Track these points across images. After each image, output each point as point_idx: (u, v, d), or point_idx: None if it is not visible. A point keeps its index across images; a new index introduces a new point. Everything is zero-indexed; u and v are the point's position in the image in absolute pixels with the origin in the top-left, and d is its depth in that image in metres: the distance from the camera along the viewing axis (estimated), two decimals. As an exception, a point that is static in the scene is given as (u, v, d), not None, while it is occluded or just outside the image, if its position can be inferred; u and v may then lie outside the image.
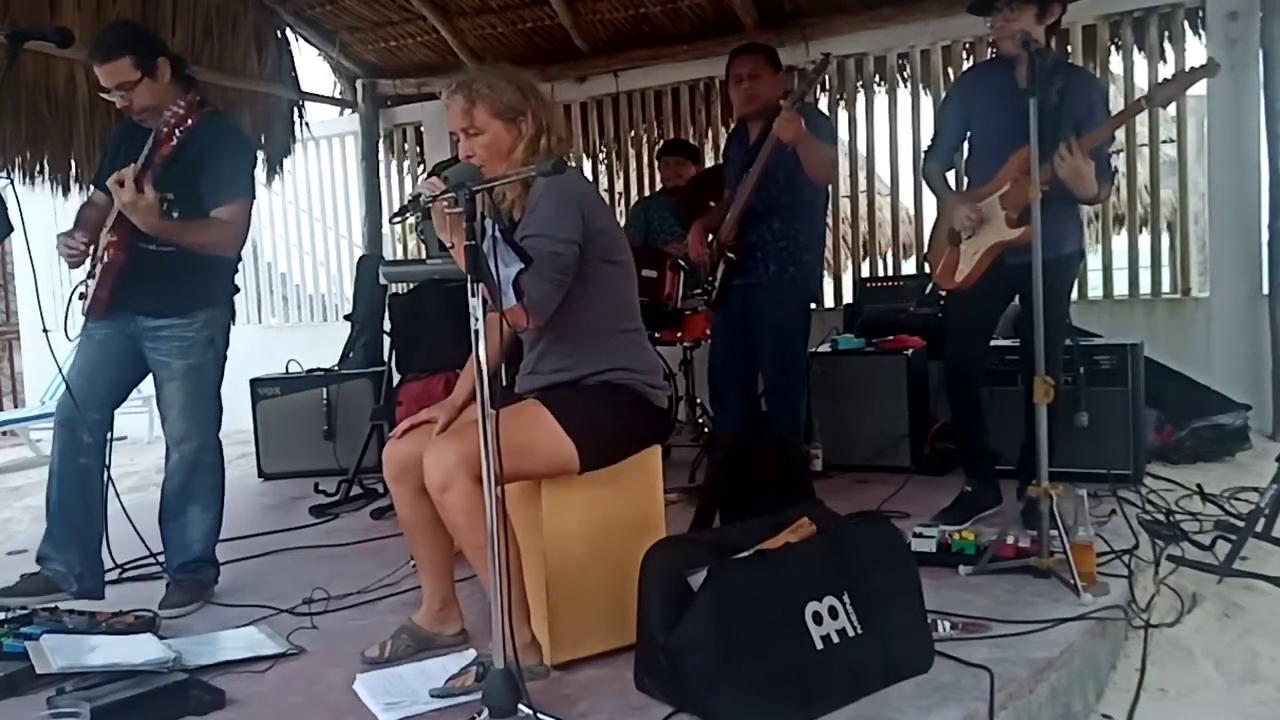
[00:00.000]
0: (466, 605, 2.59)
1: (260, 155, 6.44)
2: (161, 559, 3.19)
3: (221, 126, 3.05)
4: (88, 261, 3.01)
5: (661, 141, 6.11)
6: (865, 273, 5.91)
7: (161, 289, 2.97)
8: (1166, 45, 5.03)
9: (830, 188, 4.02)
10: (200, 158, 2.93)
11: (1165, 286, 5.26)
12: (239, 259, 3.16)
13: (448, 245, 2.24)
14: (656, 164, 5.61)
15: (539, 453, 2.25)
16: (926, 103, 5.54)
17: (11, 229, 3.07)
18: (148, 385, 3.24)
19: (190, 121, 2.93)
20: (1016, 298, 3.30)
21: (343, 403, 5.11)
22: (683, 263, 4.25)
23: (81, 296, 3.03)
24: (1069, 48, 5.12)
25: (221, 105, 5.94)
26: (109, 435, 3.10)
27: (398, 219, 2.15)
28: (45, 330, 2.93)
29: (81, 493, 3.03)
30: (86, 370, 3.04)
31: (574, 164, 6.42)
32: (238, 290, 3.22)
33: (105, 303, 2.98)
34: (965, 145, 3.43)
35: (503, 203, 2.42)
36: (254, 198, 3.08)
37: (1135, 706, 2.33)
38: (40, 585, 3.01)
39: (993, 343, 3.52)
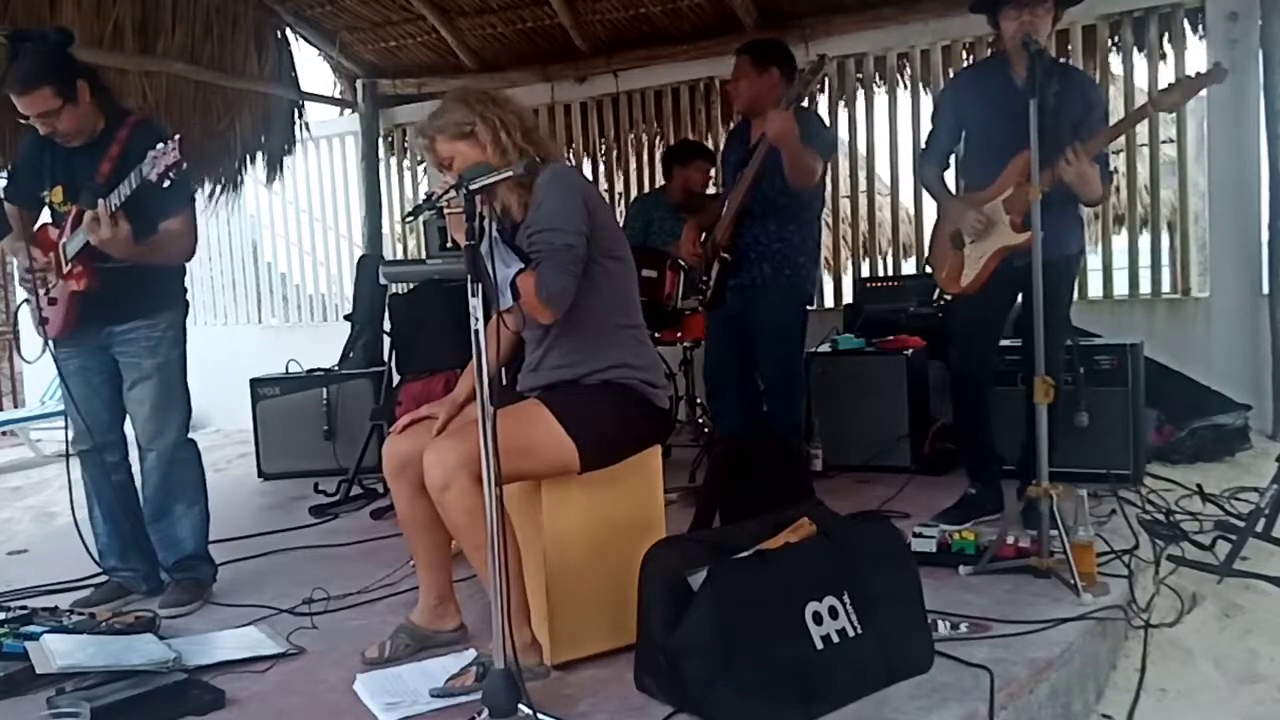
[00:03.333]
0: (466, 606, 2.59)
1: (260, 155, 6.45)
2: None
3: (153, 134, 2.90)
4: (50, 277, 2.98)
5: (665, 143, 6.10)
6: (865, 273, 5.90)
7: (126, 297, 2.97)
8: (1166, 45, 5.02)
9: (828, 188, 4.02)
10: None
11: (1165, 286, 5.26)
12: None
13: (462, 245, 2.25)
14: (684, 166, 5.23)
15: (539, 453, 2.25)
16: (926, 103, 5.54)
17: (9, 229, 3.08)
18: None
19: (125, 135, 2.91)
20: (1019, 298, 3.29)
21: (343, 403, 5.11)
22: (682, 263, 4.24)
23: (42, 321, 3.00)
24: (1069, 48, 5.12)
25: (220, 106, 5.98)
26: (128, 449, 3.18)
27: (410, 218, 2.17)
28: (43, 327, 2.94)
29: (124, 505, 3.14)
30: (82, 404, 3.07)
31: (571, 161, 6.43)
32: (186, 289, 3.23)
33: (74, 323, 2.98)
34: (960, 146, 3.43)
35: (507, 211, 2.41)
36: (194, 202, 3.08)
37: (1135, 706, 2.33)
38: (114, 591, 3.13)
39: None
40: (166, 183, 2.67)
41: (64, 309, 2.96)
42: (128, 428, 3.14)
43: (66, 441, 3.11)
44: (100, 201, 2.73)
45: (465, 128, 2.36)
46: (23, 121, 2.90)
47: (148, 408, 3.05)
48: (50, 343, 3.03)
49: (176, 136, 2.66)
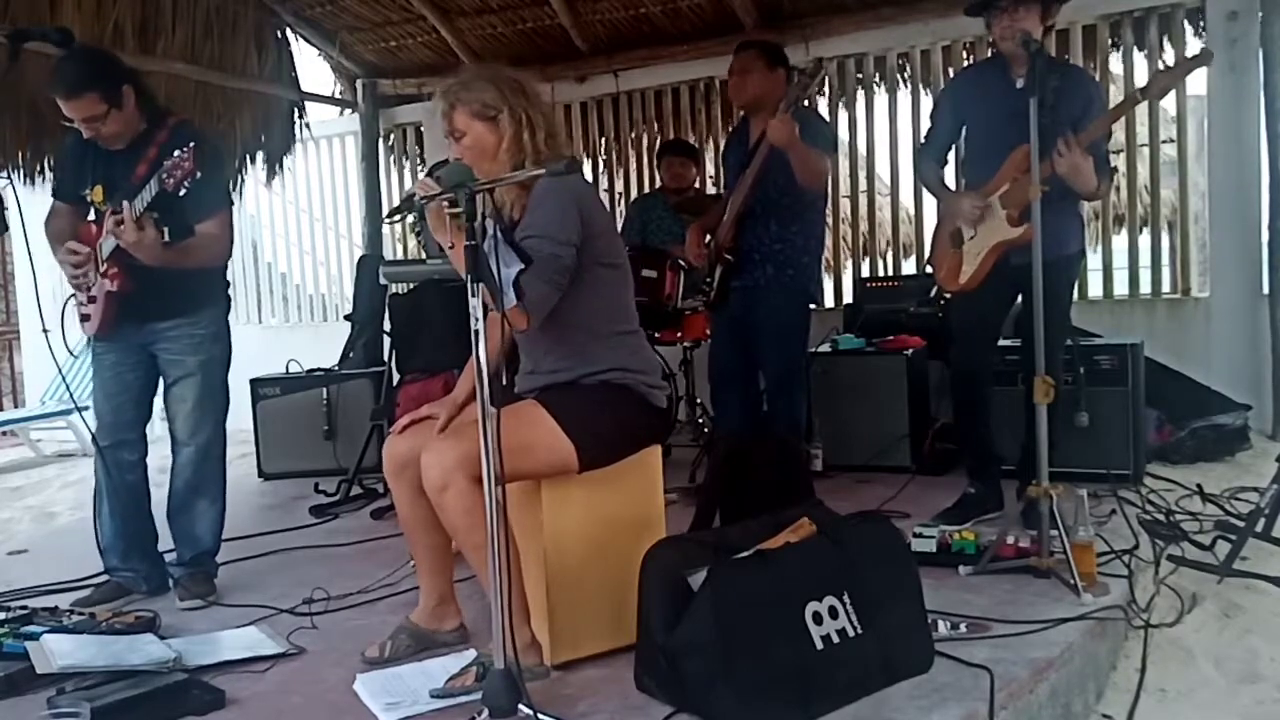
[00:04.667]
0: (466, 605, 2.59)
1: (260, 155, 6.45)
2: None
3: (189, 139, 2.90)
4: (91, 274, 3.01)
5: (660, 141, 6.11)
6: (865, 273, 5.90)
7: (166, 295, 2.98)
8: (1166, 45, 5.02)
9: (829, 188, 4.02)
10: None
11: (1165, 286, 5.26)
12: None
13: (446, 246, 2.24)
14: (656, 164, 5.58)
15: (537, 453, 2.25)
16: (926, 102, 5.53)
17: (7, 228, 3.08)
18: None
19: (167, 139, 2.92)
20: (1019, 298, 3.29)
21: (343, 403, 5.11)
22: (683, 263, 4.24)
23: (84, 319, 3.04)
24: (1069, 48, 5.12)
25: (220, 105, 5.98)
26: (147, 448, 3.20)
27: (392, 219, 2.16)
28: (45, 330, 2.94)
29: (136, 505, 3.16)
30: (110, 399, 3.09)
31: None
32: (229, 285, 3.25)
33: (112, 322, 3.00)
34: (960, 145, 3.43)
35: (503, 206, 2.41)
36: (233, 204, 3.10)
37: (1135, 706, 2.33)
38: (114, 591, 3.13)
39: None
40: (183, 191, 2.67)
41: (102, 307, 2.98)
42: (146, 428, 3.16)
43: (94, 435, 3.11)
44: (125, 204, 2.74)
45: (490, 111, 2.35)
46: (66, 124, 2.91)
47: (189, 404, 3.08)
48: (92, 340, 3.06)
49: (190, 145, 2.65)
